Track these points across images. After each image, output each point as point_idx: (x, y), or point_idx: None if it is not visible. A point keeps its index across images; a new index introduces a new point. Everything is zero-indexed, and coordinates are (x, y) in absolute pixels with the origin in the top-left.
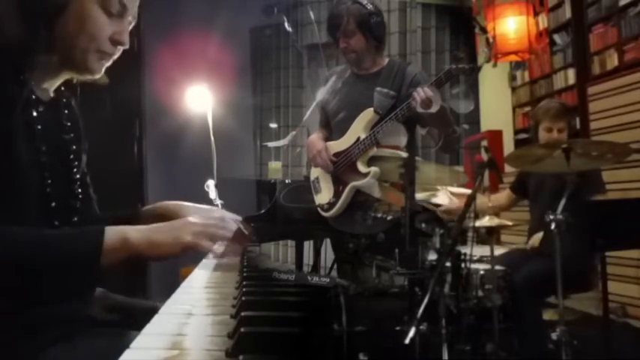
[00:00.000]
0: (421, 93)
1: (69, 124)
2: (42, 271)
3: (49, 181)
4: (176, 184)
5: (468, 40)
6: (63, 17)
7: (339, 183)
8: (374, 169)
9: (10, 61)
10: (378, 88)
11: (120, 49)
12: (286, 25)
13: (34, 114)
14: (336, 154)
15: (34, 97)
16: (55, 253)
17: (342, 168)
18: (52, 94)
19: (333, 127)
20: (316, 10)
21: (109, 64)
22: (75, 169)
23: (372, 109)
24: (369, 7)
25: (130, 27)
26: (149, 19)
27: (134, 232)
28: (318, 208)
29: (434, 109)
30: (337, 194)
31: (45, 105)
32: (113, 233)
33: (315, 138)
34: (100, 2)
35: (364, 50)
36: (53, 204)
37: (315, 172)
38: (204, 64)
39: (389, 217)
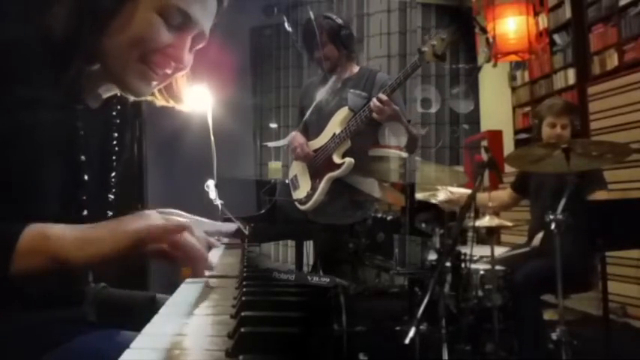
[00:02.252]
0: (374, 100)
1: (116, 134)
2: None
3: (84, 197)
4: (176, 184)
5: (468, 40)
6: (113, 23)
7: (316, 176)
8: (348, 159)
9: (54, 64)
10: (351, 90)
11: (176, 69)
12: (286, 25)
13: (78, 121)
14: (315, 151)
15: (80, 104)
16: None
17: (319, 162)
18: (102, 101)
19: (310, 129)
20: (316, 10)
21: (159, 85)
22: (112, 179)
23: (347, 107)
24: (339, 21)
25: (198, 47)
26: None
27: (58, 228)
28: (296, 203)
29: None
30: (314, 187)
31: (92, 112)
32: (30, 230)
33: (296, 134)
34: (158, 9)
35: (336, 59)
36: (85, 212)
37: (293, 170)
38: (204, 64)
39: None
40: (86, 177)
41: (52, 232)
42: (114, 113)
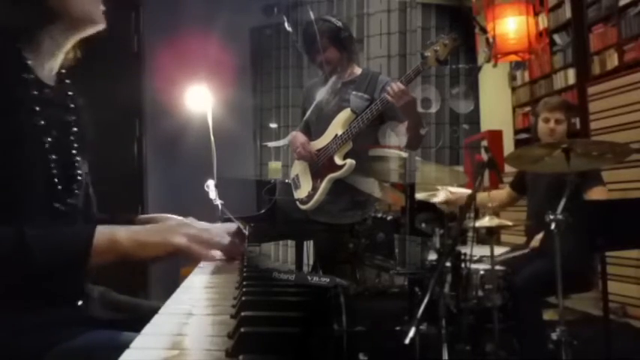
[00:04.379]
0: (394, 87)
1: (72, 105)
2: (25, 273)
3: (55, 170)
4: (176, 184)
5: (468, 40)
6: None
7: (317, 176)
8: (349, 160)
9: (12, 47)
10: (354, 92)
11: None
12: (286, 25)
13: (40, 99)
14: (316, 151)
15: (38, 81)
16: (40, 255)
17: (321, 162)
18: (54, 77)
19: (312, 130)
20: (316, 10)
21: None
22: (75, 151)
23: (349, 109)
24: (338, 23)
25: None
26: (149, 19)
27: (122, 232)
28: (297, 202)
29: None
30: (315, 187)
31: (50, 89)
32: (101, 234)
33: (298, 134)
34: None
35: (337, 61)
36: (59, 187)
37: (295, 170)
38: (204, 64)
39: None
40: (49, 142)
41: (119, 236)
42: (66, 86)
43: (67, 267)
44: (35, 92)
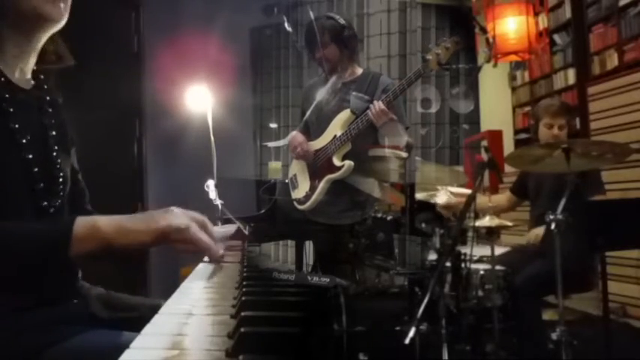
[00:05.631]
0: (375, 106)
1: (50, 109)
2: (6, 262)
3: (35, 171)
4: (176, 184)
5: (468, 40)
6: None
7: (315, 177)
8: (348, 162)
9: None
10: (354, 93)
11: None
12: (286, 25)
13: (12, 101)
14: (315, 152)
15: (9, 84)
16: (22, 244)
17: (319, 163)
18: (31, 81)
19: (312, 130)
20: (316, 10)
21: (66, 4)
22: (56, 153)
23: (349, 109)
24: (342, 21)
25: None
26: (149, 19)
27: (104, 219)
28: (295, 202)
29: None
30: (313, 187)
31: (24, 92)
32: (82, 222)
33: (296, 134)
34: None
35: (337, 60)
36: (42, 186)
37: (293, 170)
38: (204, 64)
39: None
40: (26, 146)
41: (102, 223)
42: (44, 90)
43: (48, 255)
44: (6, 95)
